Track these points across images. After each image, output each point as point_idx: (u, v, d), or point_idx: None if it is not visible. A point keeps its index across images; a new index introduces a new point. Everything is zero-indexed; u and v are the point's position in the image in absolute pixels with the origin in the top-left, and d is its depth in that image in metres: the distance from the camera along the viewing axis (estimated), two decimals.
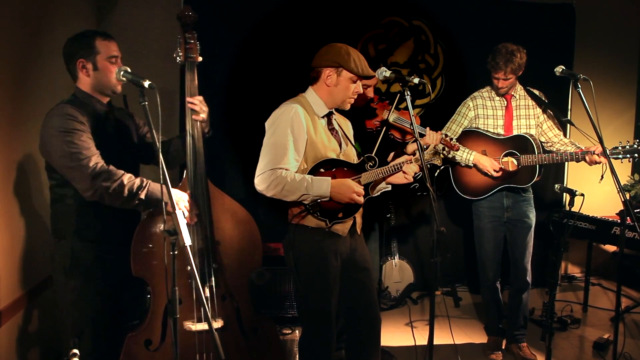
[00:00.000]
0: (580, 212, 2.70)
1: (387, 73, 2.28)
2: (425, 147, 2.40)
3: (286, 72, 3.93)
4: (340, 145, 2.39)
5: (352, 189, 2.23)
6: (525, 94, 3.15)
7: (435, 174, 3.12)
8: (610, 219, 3.88)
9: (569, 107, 4.61)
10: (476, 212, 3.24)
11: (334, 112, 2.45)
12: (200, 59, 2.24)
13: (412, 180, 2.37)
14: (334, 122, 2.42)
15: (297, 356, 3.17)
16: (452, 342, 3.12)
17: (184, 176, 2.23)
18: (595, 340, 3.45)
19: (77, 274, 2.12)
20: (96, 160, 1.98)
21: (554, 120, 3.16)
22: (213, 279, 2.21)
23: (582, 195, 2.62)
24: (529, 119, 3.12)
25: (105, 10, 3.86)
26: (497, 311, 3.32)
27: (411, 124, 2.36)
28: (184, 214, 2.06)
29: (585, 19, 4.58)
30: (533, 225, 3.16)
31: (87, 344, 2.08)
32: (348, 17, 4.18)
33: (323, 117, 2.37)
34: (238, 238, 2.30)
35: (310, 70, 2.36)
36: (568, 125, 3.54)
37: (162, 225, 2.12)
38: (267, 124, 2.30)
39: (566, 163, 4.59)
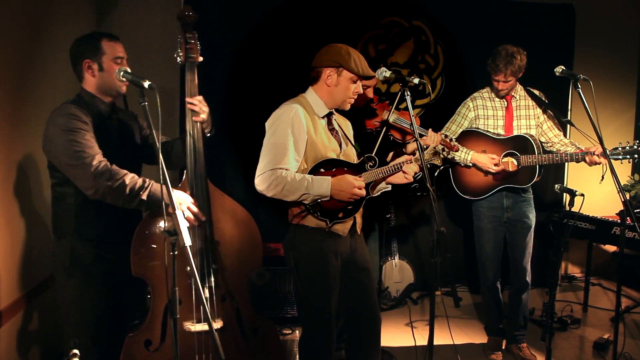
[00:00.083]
0: (580, 212, 2.70)
1: (387, 73, 2.28)
2: (425, 147, 2.40)
3: (286, 72, 3.93)
4: (340, 145, 2.39)
5: (353, 184, 2.23)
6: (526, 94, 3.15)
7: (435, 174, 3.12)
8: (610, 219, 3.88)
9: (569, 108, 4.61)
10: (476, 212, 3.24)
11: (334, 112, 2.45)
12: (200, 59, 2.24)
13: (412, 180, 2.37)
14: (334, 122, 2.43)
15: (297, 356, 3.17)
16: (452, 343, 3.13)
17: (184, 176, 2.23)
18: (595, 340, 3.45)
19: (77, 273, 2.13)
20: (99, 159, 2.00)
21: (554, 120, 3.16)
22: (212, 279, 2.21)
23: (582, 195, 2.62)
24: (529, 119, 3.12)
25: (106, 10, 3.86)
26: (497, 311, 3.32)
27: (411, 124, 2.36)
28: (190, 216, 2.07)
29: (585, 19, 4.58)
30: (533, 226, 3.16)
31: (88, 344, 2.08)
32: (348, 18, 4.18)
33: (323, 117, 2.37)
34: (238, 238, 2.30)
35: (311, 71, 2.36)
36: (568, 125, 3.54)
37: (162, 225, 2.12)
38: (267, 124, 2.30)
39: (566, 163, 4.59)
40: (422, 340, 3.39)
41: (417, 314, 4.01)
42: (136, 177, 2.04)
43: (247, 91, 4.04)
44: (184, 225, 1.67)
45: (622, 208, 3.03)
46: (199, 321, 2.18)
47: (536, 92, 3.16)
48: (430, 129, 2.75)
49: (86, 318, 2.14)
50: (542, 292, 4.41)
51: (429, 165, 2.31)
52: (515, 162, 3.04)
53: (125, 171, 2.03)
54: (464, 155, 3.11)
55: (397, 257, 4.21)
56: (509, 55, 2.93)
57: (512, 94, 3.12)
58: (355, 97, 2.37)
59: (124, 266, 2.12)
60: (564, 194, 2.92)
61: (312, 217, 2.28)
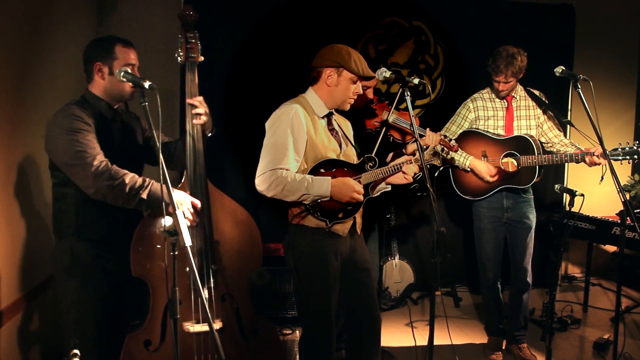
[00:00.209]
0: (580, 212, 2.70)
1: (387, 73, 2.28)
2: (425, 147, 2.40)
3: (286, 72, 3.93)
4: (340, 145, 2.39)
5: (353, 187, 2.24)
6: (526, 94, 3.15)
7: (435, 175, 3.12)
8: (610, 219, 3.89)
9: (569, 108, 4.61)
10: (476, 212, 3.24)
11: (334, 112, 2.45)
12: (201, 58, 2.25)
13: (411, 180, 2.37)
14: (333, 122, 2.43)
15: (297, 356, 3.17)
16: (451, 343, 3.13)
17: (184, 177, 2.24)
18: (596, 340, 3.45)
19: (77, 274, 2.13)
20: (100, 159, 2.00)
21: (554, 121, 3.16)
22: (212, 279, 2.21)
23: (582, 195, 2.62)
24: (530, 119, 3.12)
25: (106, 10, 3.86)
26: (497, 311, 3.32)
27: (411, 124, 2.36)
28: (189, 217, 2.07)
29: (585, 19, 4.58)
30: (533, 226, 3.16)
31: (88, 344, 2.08)
32: (348, 18, 4.18)
33: (323, 117, 2.37)
34: (238, 239, 2.29)
35: (311, 71, 2.36)
36: (568, 126, 3.54)
37: (163, 226, 2.12)
38: (267, 125, 2.31)
39: (566, 163, 4.59)
40: (422, 341, 3.39)
41: (417, 314, 4.01)
42: (136, 176, 2.05)
43: (247, 91, 4.05)
44: (184, 226, 1.67)
45: (622, 208, 3.04)
46: (198, 322, 2.18)
47: (536, 92, 3.16)
48: (428, 129, 2.76)
49: (86, 318, 2.14)
50: (542, 292, 4.42)
51: (428, 166, 2.31)
52: (515, 163, 3.04)
53: (126, 171, 2.03)
54: (463, 159, 3.11)
55: (397, 257, 4.21)
56: (509, 56, 2.93)
57: (513, 94, 3.12)
58: (355, 97, 2.37)
59: (124, 266, 2.12)
60: (564, 194, 2.92)
61: (312, 217, 2.28)
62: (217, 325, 2.21)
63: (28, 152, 2.67)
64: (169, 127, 3.82)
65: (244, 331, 2.31)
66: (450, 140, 2.45)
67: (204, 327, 2.16)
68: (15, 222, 2.57)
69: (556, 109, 3.21)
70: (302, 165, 2.28)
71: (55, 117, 2.07)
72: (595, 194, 3.52)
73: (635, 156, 2.78)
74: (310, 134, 2.28)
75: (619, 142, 2.89)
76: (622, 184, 2.50)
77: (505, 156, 3.07)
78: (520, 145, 3.03)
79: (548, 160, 2.94)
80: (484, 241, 3.22)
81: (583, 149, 2.96)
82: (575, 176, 4.64)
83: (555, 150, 3.13)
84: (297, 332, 3.50)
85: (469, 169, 3.12)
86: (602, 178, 2.80)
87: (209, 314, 1.71)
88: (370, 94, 2.94)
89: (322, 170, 2.28)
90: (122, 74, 1.89)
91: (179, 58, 2.24)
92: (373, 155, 2.37)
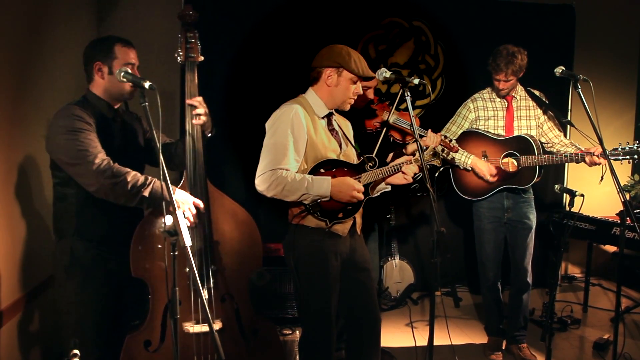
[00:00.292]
0: (580, 212, 2.70)
1: (387, 74, 2.28)
2: (425, 148, 2.40)
3: (286, 72, 3.93)
4: (340, 145, 2.39)
5: (353, 186, 2.24)
6: (526, 94, 3.15)
7: (436, 175, 3.12)
8: (610, 220, 3.89)
9: (569, 108, 4.61)
10: (476, 212, 3.24)
11: (334, 112, 2.45)
12: (201, 58, 2.25)
13: (411, 180, 2.37)
14: (334, 122, 2.43)
15: (298, 357, 3.17)
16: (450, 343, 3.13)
17: (184, 177, 2.24)
18: (595, 340, 3.45)
19: (76, 273, 2.13)
20: (102, 157, 2.01)
21: (554, 121, 3.16)
22: (212, 280, 2.21)
23: (582, 195, 2.62)
24: (530, 119, 3.12)
25: (106, 10, 3.86)
26: (497, 312, 3.32)
27: (411, 125, 2.36)
28: (190, 217, 2.07)
29: (585, 19, 4.58)
30: (534, 227, 3.16)
31: (88, 344, 2.08)
32: (348, 18, 4.18)
33: (323, 117, 2.37)
34: (238, 239, 2.30)
35: (311, 71, 2.36)
36: (568, 126, 3.54)
37: (163, 226, 2.12)
38: (267, 125, 2.31)
39: (566, 164, 4.59)
40: (422, 341, 3.39)
41: (417, 314, 4.01)
42: (138, 174, 2.05)
43: (247, 91, 4.04)
44: (184, 226, 1.67)
45: (622, 208, 3.03)
46: (198, 322, 2.18)
47: (536, 92, 3.16)
48: (429, 130, 2.76)
49: (86, 318, 2.14)
50: (542, 292, 4.42)
51: (428, 166, 2.31)
52: (516, 163, 3.04)
53: (128, 169, 2.04)
54: (464, 158, 3.11)
55: (397, 258, 4.21)
56: (509, 54, 2.93)
57: (513, 94, 3.12)
58: (355, 97, 2.37)
59: (124, 266, 2.12)
60: (564, 194, 2.92)
61: (312, 217, 2.28)
62: (217, 325, 2.21)
63: (28, 152, 2.67)
64: (169, 127, 3.82)
65: (244, 331, 2.31)
66: (451, 141, 2.45)
67: (204, 328, 2.16)
68: (16, 222, 2.57)
69: (556, 109, 3.21)
70: (302, 165, 2.28)
71: (56, 117, 2.07)
72: (595, 194, 3.52)
73: (635, 156, 2.78)
74: (311, 134, 2.28)
75: (619, 142, 2.89)
76: (622, 184, 2.50)
77: (506, 156, 3.07)
78: (520, 145, 3.03)
79: (548, 160, 2.94)
80: (484, 241, 3.22)
81: (583, 149, 2.96)
82: (575, 176, 4.64)
83: (555, 150, 3.13)
84: (297, 332, 3.51)
85: (470, 168, 3.12)
86: (602, 178, 2.80)
87: (209, 315, 1.71)
88: (370, 94, 2.94)
89: (322, 170, 2.28)
90: (122, 74, 1.89)
91: (178, 58, 2.24)
92: (373, 155, 2.38)
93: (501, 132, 3.13)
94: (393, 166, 2.33)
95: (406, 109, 2.30)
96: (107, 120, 2.18)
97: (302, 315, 2.43)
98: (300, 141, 2.25)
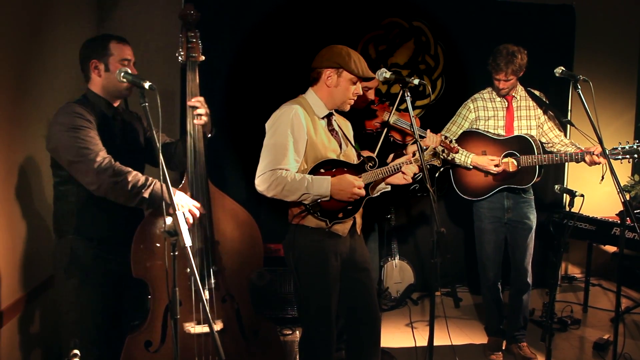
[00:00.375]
0: (580, 212, 2.70)
1: (387, 74, 2.28)
2: (425, 148, 2.40)
3: (286, 73, 3.93)
4: (340, 146, 2.40)
5: (353, 183, 2.24)
6: (526, 94, 3.15)
7: (436, 175, 3.12)
8: (610, 220, 3.89)
9: (569, 108, 4.61)
10: (477, 212, 3.24)
11: (334, 113, 2.45)
12: (202, 58, 2.24)
13: (411, 181, 2.37)
14: (334, 123, 2.43)
15: (298, 357, 3.17)
16: (450, 343, 3.13)
17: (185, 177, 2.24)
18: (595, 340, 3.45)
19: (76, 273, 2.13)
20: (103, 155, 2.01)
21: (554, 121, 3.16)
22: (213, 280, 2.21)
23: (582, 195, 2.62)
24: (530, 119, 3.12)
25: (106, 10, 3.86)
26: (497, 312, 3.32)
27: (411, 125, 2.36)
28: (189, 218, 2.07)
29: (585, 19, 4.58)
30: (534, 227, 3.16)
31: (88, 345, 2.08)
32: (348, 19, 4.18)
33: (323, 118, 2.37)
34: (239, 239, 2.29)
35: (311, 71, 2.36)
36: (568, 126, 3.54)
37: (163, 226, 2.12)
38: (267, 125, 2.31)
39: (566, 164, 4.59)
40: (423, 341, 3.39)
41: (418, 315, 4.01)
42: (139, 174, 2.05)
43: (247, 91, 4.05)
44: (184, 226, 1.67)
45: (622, 208, 3.04)
46: (199, 323, 2.18)
47: (537, 92, 3.16)
48: (428, 130, 2.76)
49: (86, 318, 2.14)
50: (542, 292, 4.42)
51: (428, 166, 2.31)
52: (516, 163, 3.04)
53: (129, 169, 2.04)
54: (464, 158, 3.12)
55: (397, 258, 4.21)
56: (509, 54, 2.93)
57: (513, 94, 3.12)
58: (355, 98, 2.37)
59: (124, 267, 2.12)
60: (564, 194, 2.92)
61: (312, 217, 2.28)
62: (218, 326, 2.21)
63: (28, 152, 2.67)
64: (169, 127, 3.82)
65: (244, 332, 2.31)
66: (451, 141, 2.45)
67: (204, 328, 2.16)
68: (16, 222, 2.57)
69: (556, 109, 3.21)
70: (302, 165, 2.28)
71: (56, 115, 2.07)
72: (595, 194, 3.52)
73: (635, 155, 2.78)
74: (310, 135, 2.28)
75: (618, 141, 2.89)
76: (622, 185, 2.50)
77: (506, 156, 3.07)
78: (520, 145, 3.03)
79: (548, 160, 2.94)
80: (485, 241, 3.22)
81: (583, 149, 2.96)
82: (575, 176, 4.64)
83: (555, 150, 3.13)
84: (298, 332, 3.51)
85: (471, 167, 3.12)
86: (603, 178, 2.80)
87: (209, 315, 1.71)
88: (371, 94, 2.94)
89: (322, 171, 2.28)
90: (122, 74, 1.89)
91: (179, 57, 2.23)
92: (374, 155, 2.38)
93: (501, 132, 3.13)
94: (393, 166, 2.33)
95: (406, 110, 2.30)
96: (107, 119, 2.18)
97: (302, 315, 2.43)
98: (300, 141, 2.25)
